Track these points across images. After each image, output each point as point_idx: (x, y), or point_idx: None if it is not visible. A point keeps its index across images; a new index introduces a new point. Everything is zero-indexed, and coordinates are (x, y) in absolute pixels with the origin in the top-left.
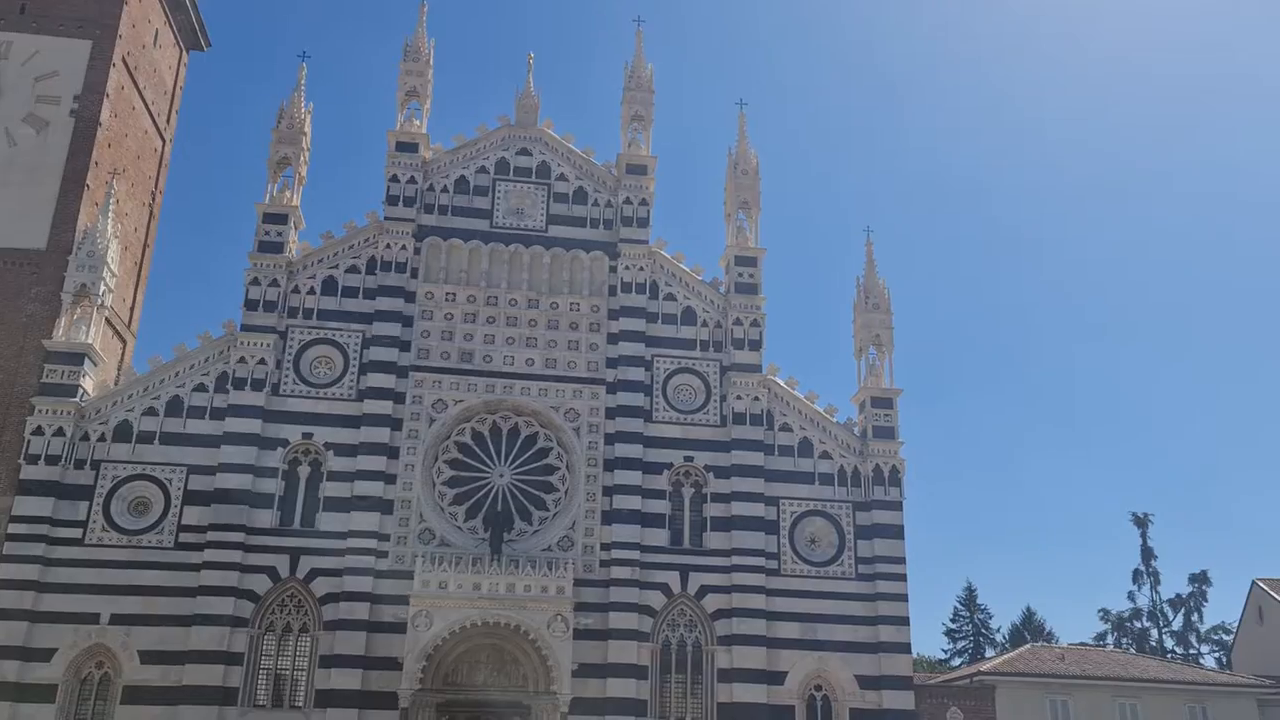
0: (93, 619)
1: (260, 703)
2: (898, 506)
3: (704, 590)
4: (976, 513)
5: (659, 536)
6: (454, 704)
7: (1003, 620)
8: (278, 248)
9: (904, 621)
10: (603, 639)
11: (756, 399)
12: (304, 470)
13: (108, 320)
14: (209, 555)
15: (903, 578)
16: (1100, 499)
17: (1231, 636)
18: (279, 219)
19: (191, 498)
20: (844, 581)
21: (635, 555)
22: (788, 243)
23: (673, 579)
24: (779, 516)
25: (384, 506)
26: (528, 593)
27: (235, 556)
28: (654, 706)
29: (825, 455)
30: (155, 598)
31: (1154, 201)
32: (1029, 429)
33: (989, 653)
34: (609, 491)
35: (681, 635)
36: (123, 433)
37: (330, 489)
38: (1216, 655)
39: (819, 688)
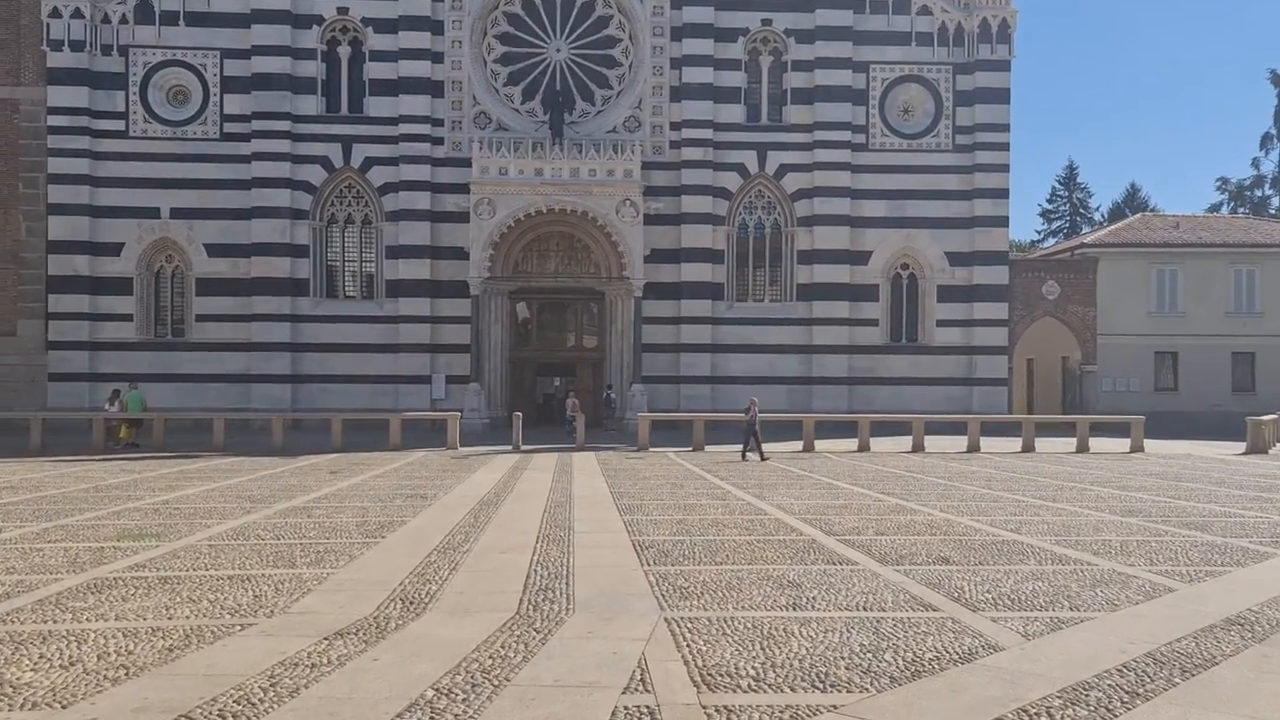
0: (153, 213)
1: (333, 293)
2: (1005, 67)
3: (783, 169)
4: (1083, 79)
5: (734, 113)
6: (525, 291)
7: (1103, 199)
8: None
9: (1003, 195)
10: (676, 224)
11: None
12: (344, 51)
13: None
14: (256, 146)
15: (1005, 147)
16: (1231, 57)
17: None
18: None
19: (230, 85)
20: (939, 154)
21: (708, 134)
22: None
23: (749, 158)
24: (868, 85)
25: (434, 89)
26: (593, 177)
27: (284, 146)
28: (730, 290)
29: (924, 10)
30: (211, 190)
31: None
32: None
33: (1086, 232)
34: (677, 64)
35: (760, 218)
36: (145, 13)
37: (374, 70)
38: None
39: (905, 266)
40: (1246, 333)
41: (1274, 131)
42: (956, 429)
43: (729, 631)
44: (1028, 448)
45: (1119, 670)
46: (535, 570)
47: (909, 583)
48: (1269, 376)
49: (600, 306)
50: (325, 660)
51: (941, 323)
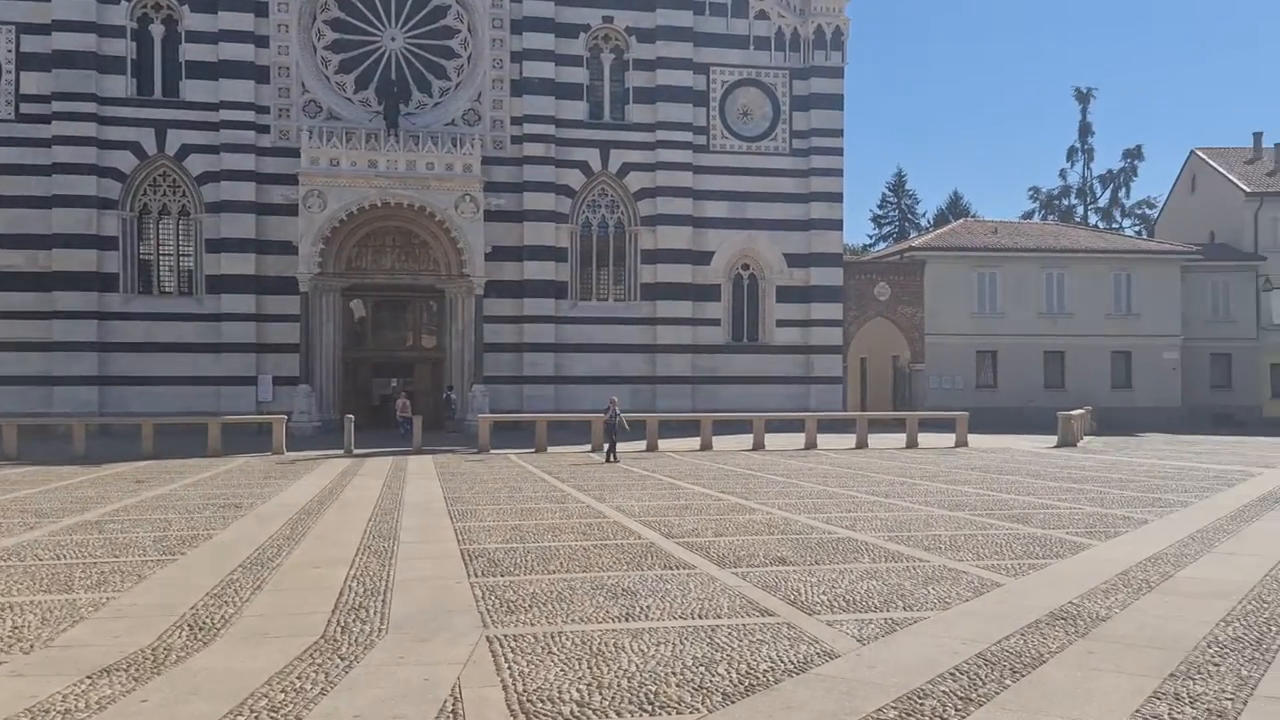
0: None
1: (147, 289)
2: (839, 74)
3: (626, 168)
4: (911, 91)
5: (577, 109)
6: (360, 288)
7: (929, 206)
8: None
9: (838, 199)
10: (518, 221)
11: None
12: (157, 30)
13: None
14: (58, 128)
15: (839, 152)
16: (1042, 73)
17: (1155, 210)
18: None
19: (27, 62)
20: (777, 157)
21: (550, 130)
22: None
23: (593, 156)
24: (709, 86)
25: (259, 74)
26: (431, 170)
27: (89, 130)
28: (574, 289)
29: (762, 15)
30: (4, 176)
31: None
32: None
33: (914, 236)
34: (518, 58)
35: (603, 216)
36: None
37: (191, 51)
38: (1136, 229)
39: (746, 266)
40: (1057, 332)
41: (1078, 145)
42: (796, 427)
43: (556, 649)
44: (861, 444)
45: (952, 674)
46: (350, 586)
47: (746, 586)
48: (1077, 373)
49: (440, 305)
50: (82, 705)
51: (781, 322)
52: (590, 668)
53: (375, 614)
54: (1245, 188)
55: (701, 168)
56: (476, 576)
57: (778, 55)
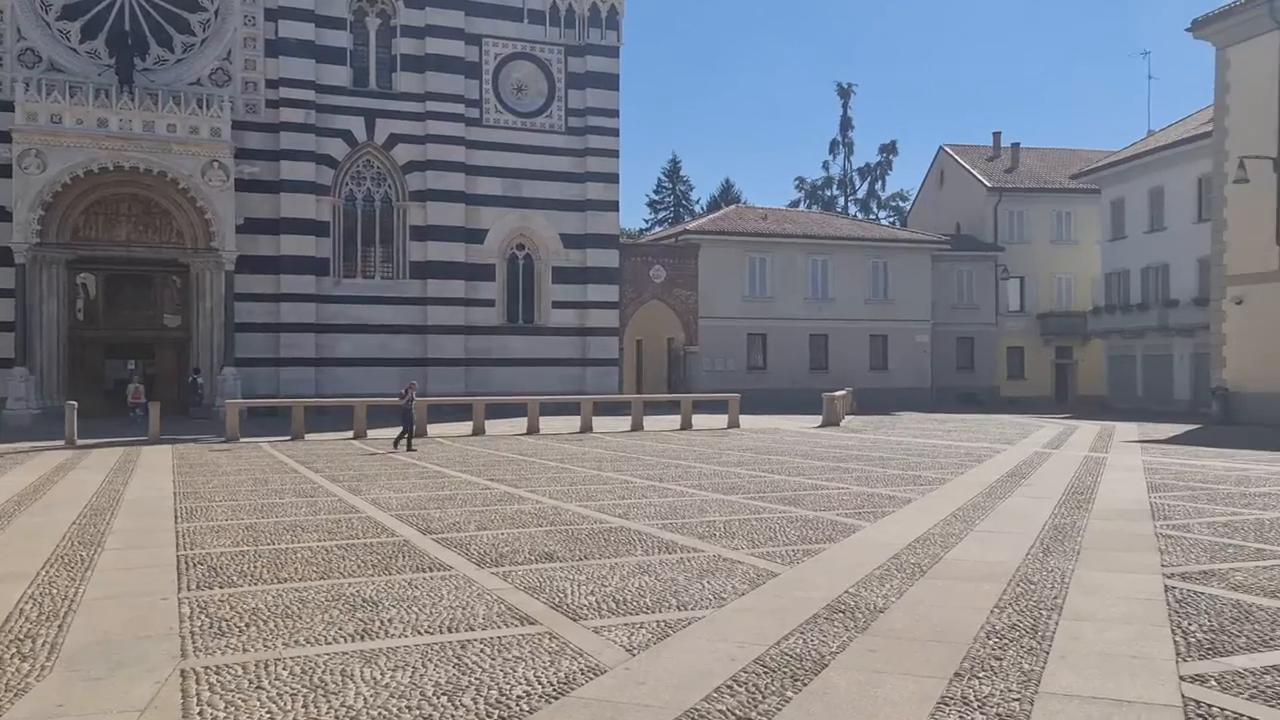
0: None
1: None
2: (614, 53)
3: (394, 139)
4: (684, 82)
5: (339, 75)
6: (90, 260)
7: (703, 192)
8: None
9: (614, 179)
10: (274, 192)
11: None
12: None
13: None
14: None
15: (615, 132)
16: (807, 68)
17: (909, 202)
18: None
19: None
20: (552, 135)
21: (310, 96)
22: None
23: (357, 125)
24: (481, 58)
25: None
26: (173, 133)
27: None
28: (337, 266)
29: None
30: None
31: None
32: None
33: (688, 221)
34: (273, 16)
35: (369, 189)
36: None
37: None
38: (891, 220)
39: (521, 246)
40: (822, 316)
41: (839, 138)
42: (571, 409)
43: (268, 683)
44: (637, 427)
45: (730, 687)
46: (23, 609)
47: (507, 589)
48: (840, 356)
49: (185, 281)
50: None
51: (557, 304)
52: (306, 707)
53: (44, 645)
54: (987, 183)
55: (475, 143)
56: (189, 590)
57: (553, 30)
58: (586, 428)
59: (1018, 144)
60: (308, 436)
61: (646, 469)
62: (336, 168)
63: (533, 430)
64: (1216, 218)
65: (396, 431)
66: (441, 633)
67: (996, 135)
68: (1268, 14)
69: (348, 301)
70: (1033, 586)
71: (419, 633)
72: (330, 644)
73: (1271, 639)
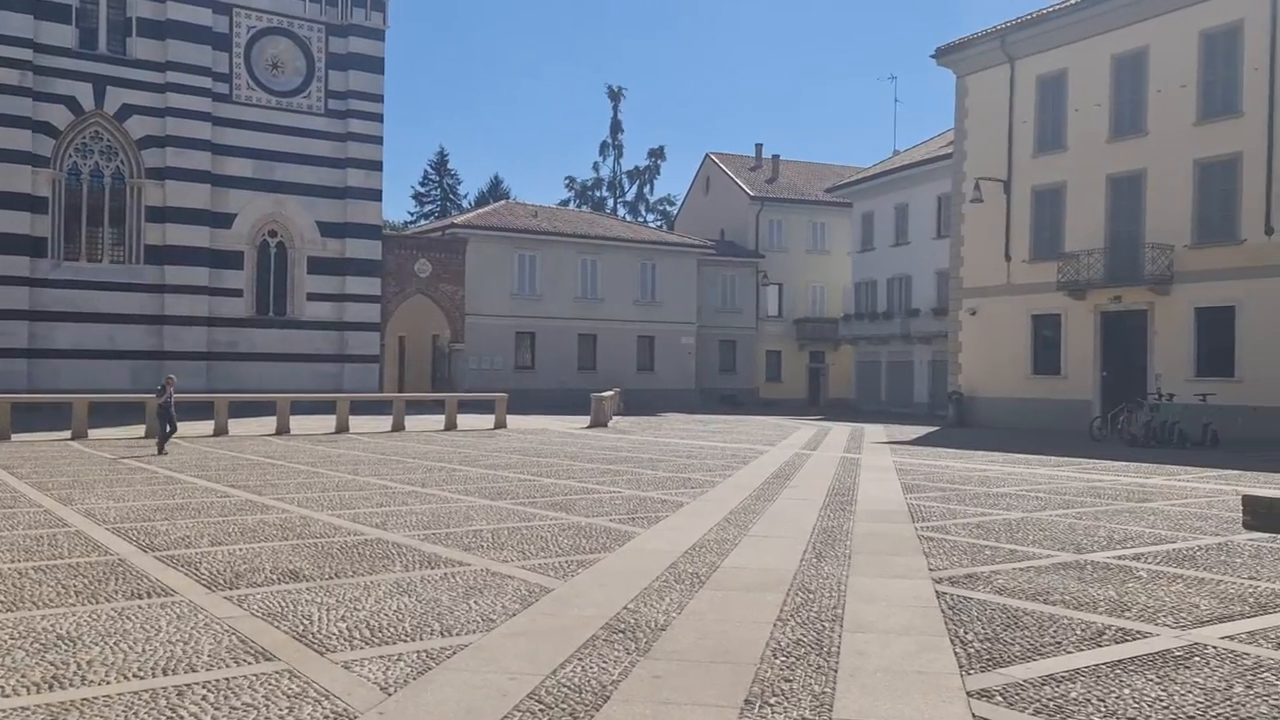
0: None
1: None
2: (379, 35)
3: (128, 110)
4: (454, 72)
5: (63, 35)
6: None
7: (471, 187)
8: None
9: (377, 167)
10: None
11: None
12: None
13: None
14: None
15: (379, 118)
16: (578, 67)
17: (676, 207)
18: None
19: None
20: (311, 116)
21: (27, 55)
22: None
23: (84, 92)
24: (232, 30)
25: None
26: None
27: None
28: (57, 246)
29: None
30: None
31: None
32: None
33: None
34: None
35: (97, 163)
36: None
37: None
38: (659, 223)
39: (274, 233)
40: (591, 316)
41: (610, 141)
42: (327, 409)
43: None
44: (398, 427)
45: None
46: None
47: (241, 617)
48: (608, 356)
49: None
50: None
51: (313, 296)
52: None
53: None
54: (750, 192)
55: (223, 120)
56: None
57: (313, 7)
58: (343, 428)
59: (778, 156)
60: (15, 437)
61: (408, 473)
62: (58, 137)
63: (283, 431)
64: (955, 234)
65: (118, 432)
66: (154, 676)
67: (759, 147)
68: (1000, 48)
69: (69, 286)
70: (812, 595)
71: (125, 677)
72: (5, 698)
73: (1041, 646)
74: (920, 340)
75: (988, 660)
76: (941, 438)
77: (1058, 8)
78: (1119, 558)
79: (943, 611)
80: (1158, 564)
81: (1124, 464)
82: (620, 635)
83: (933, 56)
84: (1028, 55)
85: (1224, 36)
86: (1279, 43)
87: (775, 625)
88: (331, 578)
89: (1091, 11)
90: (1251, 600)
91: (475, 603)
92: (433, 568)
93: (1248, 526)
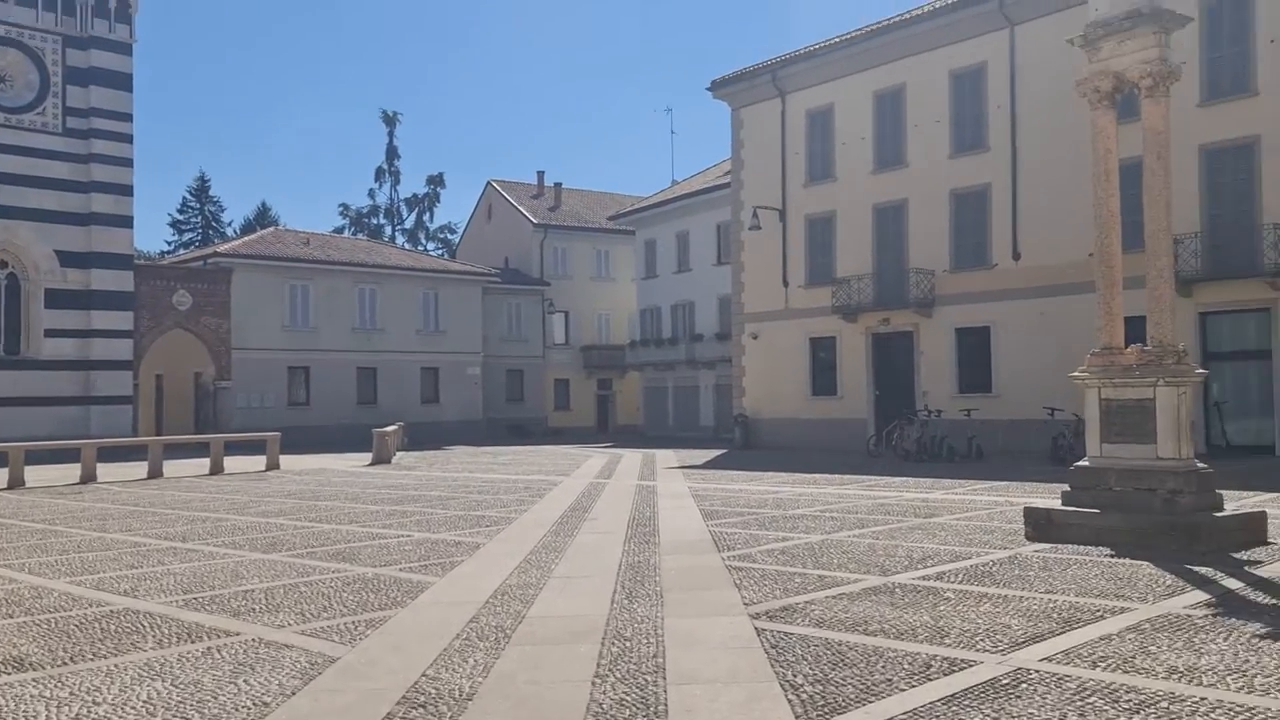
0: None
1: None
2: (126, 50)
3: None
4: (216, 95)
5: None
6: None
7: (236, 215)
8: None
9: (127, 192)
10: None
11: None
12: None
13: None
14: None
15: (128, 139)
16: (350, 91)
17: (458, 235)
18: None
19: None
20: (46, 135)
21: None
22: None
23: None
24: None
25: None
26: None
27: None
28: None
29: None
30: None
31: None
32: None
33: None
34: None
35: None
36: None
37: None
38: (440, 252)
39: (4, 264)
40: (370, 348)
41: (386, 167)
42: (71, 456)
43: None
44: (155, 474)
45: None
46: None
47: None
48: (390, 389)
49: None
50: None
51: (52, 332)
52: None
53: None
54: (533, 220)
55: None
56: None
57: (47, 16)
58: (90, 478)
59: (560, 184)
60: None
61: (166, 526)
62: None
63: (16, 485)
64: (735, 261)
65: None
66: None
67: (540, 174)
68: (771, 82)
69: None
70: (629, 644)
71: None
72: None
73: (874, 685)
74: (705, 365)
75: (824, 706)
76: (731, 460)
77: (823, 45)
78: (924, 578)
79: (766, 652)
80: (960, 583)
81: (903, 479)
82: (420, 711)
83: (708, 89)
84: (797, 90)
85: (970, 76)
86: (1018, 82)
87: (594, 683)
88: (65, 663)
89: (853, 50)
90: (1055, 616)
91: (245, 683)
92: (193, 641)
93: (1030, 538)
